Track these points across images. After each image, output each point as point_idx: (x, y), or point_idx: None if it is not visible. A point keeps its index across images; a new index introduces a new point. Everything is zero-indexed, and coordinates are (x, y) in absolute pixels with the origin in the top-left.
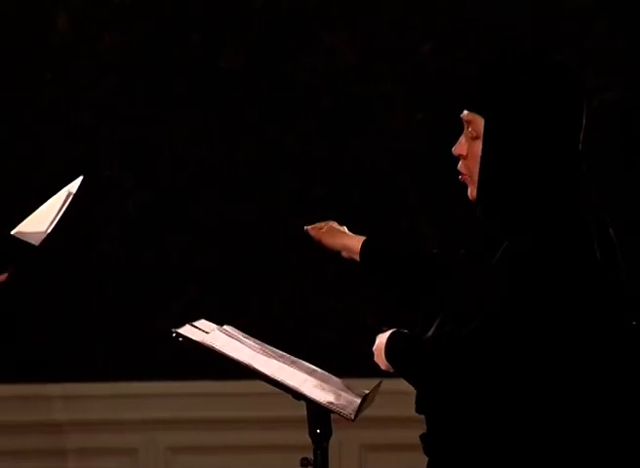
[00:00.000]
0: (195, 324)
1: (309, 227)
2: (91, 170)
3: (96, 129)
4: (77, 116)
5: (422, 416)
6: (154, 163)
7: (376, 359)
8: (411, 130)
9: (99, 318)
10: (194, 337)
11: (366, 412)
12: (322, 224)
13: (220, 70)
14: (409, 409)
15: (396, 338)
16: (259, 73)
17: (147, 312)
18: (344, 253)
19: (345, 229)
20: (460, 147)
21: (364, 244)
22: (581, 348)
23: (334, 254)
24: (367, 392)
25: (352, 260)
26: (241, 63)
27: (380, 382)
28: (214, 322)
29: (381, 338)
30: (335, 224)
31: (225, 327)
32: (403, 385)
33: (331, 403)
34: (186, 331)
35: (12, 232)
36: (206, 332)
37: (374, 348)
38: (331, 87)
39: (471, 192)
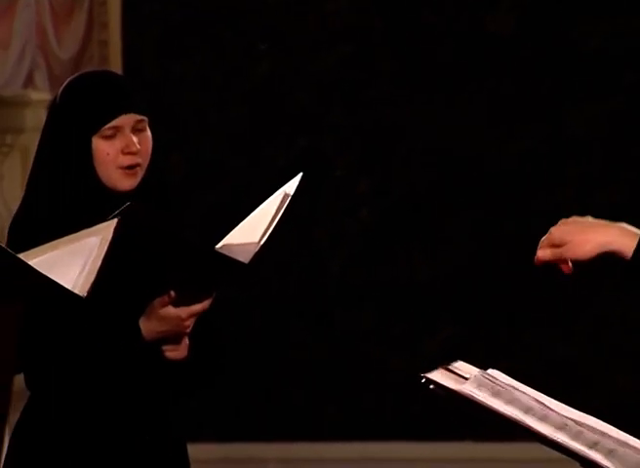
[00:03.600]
0: (450, 367)
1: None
2: (316, 167)
3: (322, 114)
4: (298, 97)
5: None
6: (397, 159)
7: None
8: None
9: (325, 359)
10: (449, 384)
11: None
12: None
13: (486, 37)
14: None
15: None
16: (535, 40)
17: (389, 352)
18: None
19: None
20: None
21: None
22: None
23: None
24: None
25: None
26: (513, 28)
27: None
28: (474, 364)
29: None
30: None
31: (490, 371)
32: None
33: None
34: (439, 376)
35: (217, 247)
36: (464, 378)
37: None
38: (637, 58)
39: None
